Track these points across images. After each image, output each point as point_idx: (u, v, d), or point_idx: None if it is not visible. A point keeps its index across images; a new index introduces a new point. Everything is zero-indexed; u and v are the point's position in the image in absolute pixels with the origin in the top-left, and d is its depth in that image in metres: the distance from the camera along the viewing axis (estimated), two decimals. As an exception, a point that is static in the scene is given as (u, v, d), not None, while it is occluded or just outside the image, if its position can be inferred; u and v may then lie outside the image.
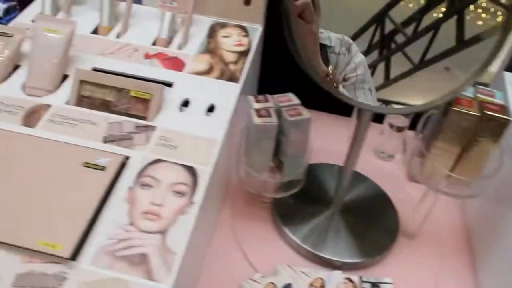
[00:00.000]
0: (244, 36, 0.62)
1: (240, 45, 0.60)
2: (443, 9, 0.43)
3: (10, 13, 2.35)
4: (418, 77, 0.45)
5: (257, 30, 0.63)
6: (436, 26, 0.43)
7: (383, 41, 0.45)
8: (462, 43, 0.43)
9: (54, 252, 0.36)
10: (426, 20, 0.43)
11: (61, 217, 0.39)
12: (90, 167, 0.43)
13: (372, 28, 0.45)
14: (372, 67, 0.46)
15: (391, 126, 0.67)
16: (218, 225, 0.58)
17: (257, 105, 0.49)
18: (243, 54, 0.59)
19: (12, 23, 0.60)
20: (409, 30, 0.44)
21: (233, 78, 0.55)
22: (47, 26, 0.52)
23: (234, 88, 0.54)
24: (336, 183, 0.57)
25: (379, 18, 0.44)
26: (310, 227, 0.57)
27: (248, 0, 0.61)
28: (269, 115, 0.48)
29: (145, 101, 0.50)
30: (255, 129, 0.47)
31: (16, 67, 0.54)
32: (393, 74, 0.47)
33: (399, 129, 0.66)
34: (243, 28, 0.63)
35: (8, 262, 0.37)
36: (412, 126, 0.69)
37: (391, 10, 0.44)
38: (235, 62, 0.58)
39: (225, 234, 0.57)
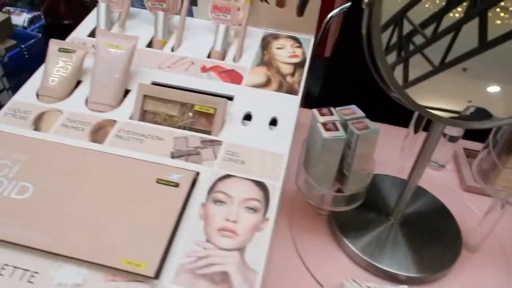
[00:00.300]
0: (298, 47, 0.61)
1: (295, 56, 0.60)
2: (464, 10, 0.41)
3: (35, 23, 2.40)
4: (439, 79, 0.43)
5: (310, 41, 0.63)
6: (457, 27, 0.41)
7: (401, 42, 0.44)
8: (485, 44, 0.41)
9: (139, 271, 0.36)
10: (446, 21, 0.41)
11: (141, 235, 0.39)
12: (164, 184, 0.43)
13: (389, 29, 0.44)
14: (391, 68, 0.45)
15: (444, 135, 0.66)
16: (275, 237, 0.57)
17: (322, 119, 0.49)
18: (298, 65, 0.59)
19: (68, 38, 0.60)
20: (429, 31, 0.42)
21: (292, 91, 0.55)
22: (109, 42, 0.52)
23: (294, 101, 0.54)
24: (398, 195, 0.56)
25: (397, 20, 0.43)
26: (369, 238, 0.57)
27: (302, 11, 0.60)
28: (336, 129, 0.47)
29: (209, 116, 0.50)
30: (322, 143, 0.47)
31: (78, 83, 0.54)
32: (412, 76, 0.45)
33: (454, 139, 0.65)
34: (295, 39, 0.63)
35: (92, 281, 0.37)
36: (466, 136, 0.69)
37: (410, 11, 0.43)
38: (292, 74, 0.57)
39: (285, 246, 0.56)
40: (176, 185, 0.43)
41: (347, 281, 0.50)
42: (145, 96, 0.51)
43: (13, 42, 1.77)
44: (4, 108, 0.51)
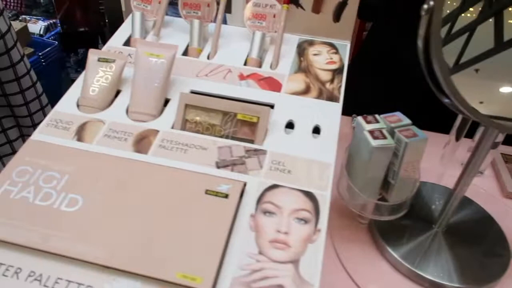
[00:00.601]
0: (334, 53, 0.61)
1: (332, 62, 0.59)
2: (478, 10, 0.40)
3: (51, 30, 2.41)
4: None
5: (346, 47, 0.62)
6: (471, 27, 0.40)
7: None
8: (502, 45, 0.40)
9: (195, 285, 0.36)
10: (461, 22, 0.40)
11: (194, 247, 0.38)
12: (213, 195, 0.42)
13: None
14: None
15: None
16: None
17: (369, 126, 0.48)
18: (337, 72, 0.58)
19: (104, 48, 0.60)
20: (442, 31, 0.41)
21: (332, 98, 0.54)
22: (150, 51, 0.52)
23: (335, 108, 0.53)
24: (442, 204, 0.55)
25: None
26: (412, 246, 0.55)
27: (338, 16, 0.60)
28: (384, 137, 0.46)
29: (252, 124, 0.49)
30: (370, 151, 0.46)
31: (117, 92, 0.54)
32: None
33: (495, 145, 0.63)
34: (331, 45, 0.62)
35: (147, 295, 0.36)
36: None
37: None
38: (331, 81, 0.57)
39: (326, 254, 0.55)
40: (226, 196, 0.42)
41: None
42: (186, 106, 0.50)
43: (31, 50, 1.79)
44: (46, 119, 0.51)
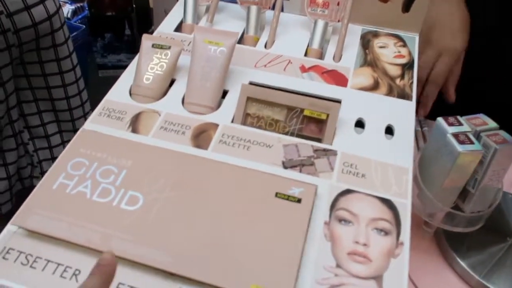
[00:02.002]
0: (402, 46, 0.56)
1: (400, 56, 0.55)
2: None
3: (78, 14, 2.39)
4: None
5: (415, 39, 0.57)
6: None
7: None
8: None
9: (272, 300, 0.32)
10: None
11: (268, 257, 0.35)
12: (284, 198, 0.38)
13: None
14: None
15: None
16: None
17: (451, 129, 0.43)
18: (406, 67, 0.53)
19: (155, 33, 0.57)
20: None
21: (404, 95, 0.50)
22: (209, 38, 0.48)
23: (409, 107, 0.49)
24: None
25: None
26: (483, 257, 0.51)
27: (408, 6, 0.55)
28: (470, 141, 0.42)
29: (320, 121, 0.45)
30: (455, 156, 0.42)
31: (172, 81, 0.51)
32: None
33: None
34: (398, 37, 0.57)
35: (216, 307, 0.33)
36: None
37: None
38: (401, 76, 0.52)
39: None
40: (298, 200, 0.38)
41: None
42: (248, 99, 0.46)
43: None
44: (98, 108, 0.47)
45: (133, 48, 1.94)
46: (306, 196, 0.39)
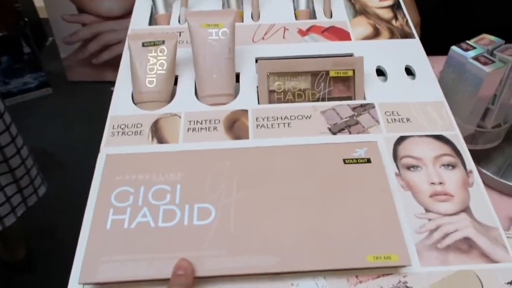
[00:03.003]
0: (382, -11, 0.56)
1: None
2: None
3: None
4: None
5: (390, -20, 0.57)
6: None
7: None
8: None
9: (394, 263, 0.31)
10: None
11: (369, 224, 0.34)
12: (353, 163, 0.37)
13: None
14: None
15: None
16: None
17: (470, 53, 0.45)
18: (395, 7, 0.54)
19: (130, 32, 0.50)
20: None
21: (406, 35, 0.50)
22: (205, 21, 0.44)
23: (416, 44, 0.49)
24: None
25: None
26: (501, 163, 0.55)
27: None
28: (491, 61, 0.44)
29: (346, 79, 0.44)
30: (481, 78, 0.43)
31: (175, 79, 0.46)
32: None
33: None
34: (374, -19, 0.57)
35: (337, 290, 0.32)
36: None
37: None
38: (394, 18, 0.52)
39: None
40: (368, 160, 0.37)
41: None
42: (269, 75, 0.44)
43: None
44: (106, 129, 0.42)
45: (38, 67, 1.73)
46: (373, 153, 0.38)
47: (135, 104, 0.44)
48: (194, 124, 0.42)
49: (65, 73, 1.83)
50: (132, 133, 0.41)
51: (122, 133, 0.41)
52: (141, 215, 0.34)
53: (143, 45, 0.45)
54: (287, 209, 0.34)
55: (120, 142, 0.40)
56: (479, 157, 0.55)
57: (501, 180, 0.53)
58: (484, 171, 0.54)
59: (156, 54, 0.45)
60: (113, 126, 0.42)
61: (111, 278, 0.31)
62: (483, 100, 0.45)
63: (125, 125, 0.42)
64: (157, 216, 0.34)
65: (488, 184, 0.54)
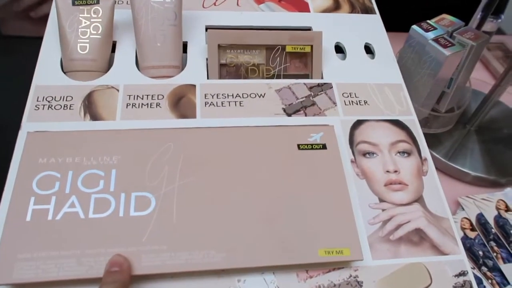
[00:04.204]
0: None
1: (346, -32, 0.51)
2: None
3: None
4: None
5: None
6: None
7: None
8: None
9: (346, 258, 0.30)
10: None
11: (321, 215, 0.31)
12: (307, 149, 0.35)
13: None
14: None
15: None
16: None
17: (430, 34, 0.43)
18: (356, -22, 0.51)
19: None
20: None
21: (367, 10, 0.47)
22: (148, -19, 0.38)
23: (376, 21, 0.47)
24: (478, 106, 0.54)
25: None
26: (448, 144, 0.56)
27: None
28: (451, 43, 0.42)
29: (303, 55, 0.41)
30: (441, 61, 0.42)
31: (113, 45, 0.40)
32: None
33: None
34: None
35: (285, 285, 0.30)
36: None
37: None
38: (356, -10, 0.49)
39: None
40: (323, 146, 0.35)
41: (463, 200, 0.50)
42: (220, 46, 0.39)
43: None
44: (29, 101, 0.36)
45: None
46: (329, 139, 0.36)
47: (64, 73, 0.38)
48: (134, 99, 0.37)
49: (-2, 26, 1.65)
50: (61, 107, 0.36)
51: (49, 106, 0.36)
52: (68, 205, 0.30)
53: (73, 3, 0.38)
54: (235, 198, 0.31)
55: (46, 117, 0.35)
56: (429, 140, 0.55)
57: (449, 163, 0.54)
58: (434, 153, 0.54)
59: (89, 16, 0.38)
60: (38, 98, 0.36)
61: (30, 278, 0.27)
62: (440, 83, 0.45)
63: (52, 98, 0.36)
64: (88, 206, 0.30)
65: (437, 166, 0.55)
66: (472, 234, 0.46)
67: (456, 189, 0.52)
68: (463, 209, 0.49)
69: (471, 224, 0.47)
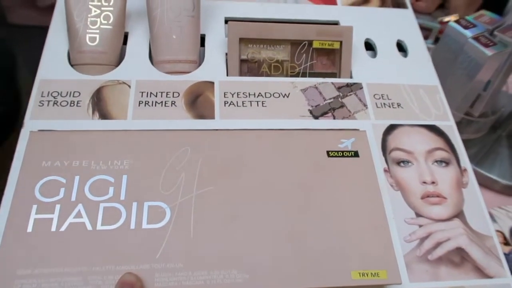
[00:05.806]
0: None
1: (376, -42, 0.48)
2: None
3: None
4: None
5: None
6: None
7: None
8: None
9: (381, 282, 0.27)
10: None
11: (354, 233, 0.28)
12: (338, 156, 0.32)
13: None
14: None
15: None
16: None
17: (469, 32, 0.39)
18: (386, -30, 0.47)
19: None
20: None
21: (399, 4, 0.44)
22: (165, -34, 0.35)
23: (408, 16, 0.43)
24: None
25: None
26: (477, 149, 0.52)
27: None
28: (493, 42, 0.39)
29: (331, 52, 0.38)
30: (481, 62, 0.38)
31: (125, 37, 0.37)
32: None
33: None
34: None
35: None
36: None
37: None
38: (387, -18, 0.46)
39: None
40: (355, 154, 0.32)
41: (495, 210, 0.46)
42: (241, 40, 0.36)
43: None
44: (33, 97, 0.33)
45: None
46: (361, 146, 0.32)
47: (72, 66, 0.35)
48: (147, 96, 0.34)
49: (5, 14, 1.62)
50: (67, 103, 0.33)
51: (54, 102, 0.33)
52: (74, 215, 0.27)
53: (83, -10, 0.35)
54: (259, 211, 0.28)
55: (51, 114, 0.32)
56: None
57: (476, 168, 0.50)
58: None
59: (99, 3, 0.35)
60: (42, 93, 0.33)
61: (30, 298, 0.24)
62: (478, 86, 0.41)
63: (58, 93, 0.33)
64: (96, 216, 0.27)
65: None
66: (506, 249, 0.43)
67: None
68: (495, 221, 0.45)
69: (505, 237, 0.44)
